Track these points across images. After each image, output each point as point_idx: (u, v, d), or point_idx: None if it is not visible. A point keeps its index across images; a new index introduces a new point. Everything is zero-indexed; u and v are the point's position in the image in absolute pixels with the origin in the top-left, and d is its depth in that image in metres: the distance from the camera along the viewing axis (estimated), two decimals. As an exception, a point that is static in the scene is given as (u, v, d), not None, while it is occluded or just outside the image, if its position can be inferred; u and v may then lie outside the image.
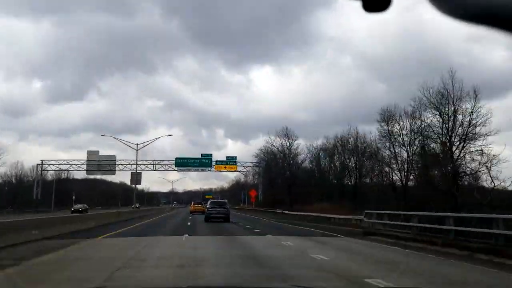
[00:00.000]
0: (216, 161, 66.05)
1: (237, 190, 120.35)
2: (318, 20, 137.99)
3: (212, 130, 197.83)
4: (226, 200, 40.45)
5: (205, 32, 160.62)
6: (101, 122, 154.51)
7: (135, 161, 47.24)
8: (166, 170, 66.40)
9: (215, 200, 39.34)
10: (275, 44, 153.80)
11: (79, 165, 65.16)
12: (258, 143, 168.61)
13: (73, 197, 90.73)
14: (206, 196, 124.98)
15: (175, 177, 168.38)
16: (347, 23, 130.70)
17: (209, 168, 65.92)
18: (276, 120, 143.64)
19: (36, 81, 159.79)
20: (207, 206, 33.40)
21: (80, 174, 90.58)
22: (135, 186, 48.45)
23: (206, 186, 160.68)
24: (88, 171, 65.50)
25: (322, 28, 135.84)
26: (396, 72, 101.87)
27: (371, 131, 47.69)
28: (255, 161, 68.46)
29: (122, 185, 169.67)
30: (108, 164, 64.35)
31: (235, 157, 66.88)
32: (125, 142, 45.85)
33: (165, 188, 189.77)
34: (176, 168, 65.38)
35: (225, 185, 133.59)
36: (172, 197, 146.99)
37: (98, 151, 65.44)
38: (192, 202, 57.71)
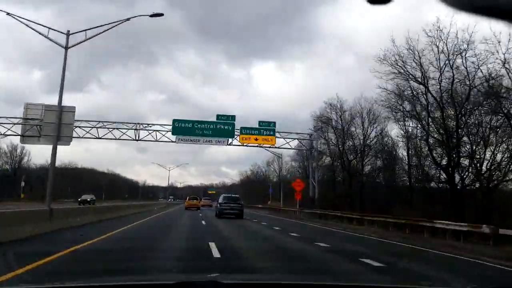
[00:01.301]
0: (242, 129, 39.10)
1: (255, 184, 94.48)
2: (322, 17, 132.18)
3: None
4: (239, 196, 35.26)
5: (207, 26, 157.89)
6: (102, 114, 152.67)
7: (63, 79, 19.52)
8: (157, 141, 39.51)
9: (228, 195, 34.18)
10: (278, 40, 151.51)
11: (8, 128, 38.15)
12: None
13: (22, 184, 64.56)
14: (209, 192, 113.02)
15: (174, 171, 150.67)
16: (351, 21, 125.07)
17: (230, 140, 39.02)
18: (278, 117, 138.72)
19: (36, 71, 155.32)
20: (219, 201, 31.42)
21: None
22: (55, 145, 21.36)
23: (207, 182, 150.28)
24: (24, 137, 38.38)
25: (326, 25, 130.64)
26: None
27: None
28: (308, 131, 41.62)
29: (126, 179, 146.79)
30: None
31: (274, 123, 39.81)
32: (36, 29, 18.64)
33: (164, 183, 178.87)
34: (174, 139, 38.57)
35: (227, 181, 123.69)
36: (170, 191, 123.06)
37: (42, 105, 38.45)
38: (187, 198, 53.48)
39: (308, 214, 37.43)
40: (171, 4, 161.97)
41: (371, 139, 33.62)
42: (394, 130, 28.94)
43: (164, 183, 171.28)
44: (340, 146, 37.04)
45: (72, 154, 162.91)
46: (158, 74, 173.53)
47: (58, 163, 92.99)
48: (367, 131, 34.24)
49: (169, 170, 77.82)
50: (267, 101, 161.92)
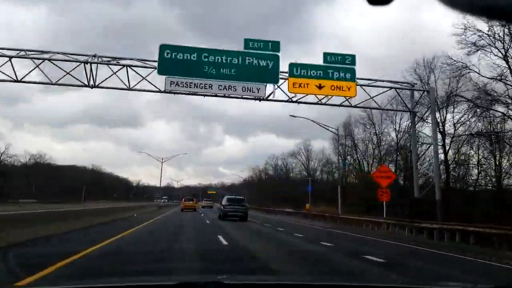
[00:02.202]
0: (292, 68, 20.43)
1: (269, 182, 76.01)
2: (321, 17, 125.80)
3: (210, 125, 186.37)
4: (244, 197, 32.51)
5: (207, 25, 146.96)
6: (98, 113, 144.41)
7: None
8: (130, 90, 20.75)
9: (232, 196, 31.58)
10: (278, 40, 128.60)
11: None
12: (257, 140, 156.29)
13: None
14: (209, 192, 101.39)
15: (171, 171, 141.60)
16: (350, 21, 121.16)
17: (271, 87, 20.41)
18: (275, 117, 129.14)
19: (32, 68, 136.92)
20: (223, 203, 28.97)
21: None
22: None
23: (205, 183, 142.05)
24: None
25: (326, 25, 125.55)
26: (397, 72, 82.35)
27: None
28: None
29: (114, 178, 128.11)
30: None
31: (352, 58, 21.10)
32: None
33: (160, 182, 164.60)
34: (163, 88, 20.02)
35: (226, 181, 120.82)
36: (164, 191, 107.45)
37: None
38: (183, 199, 52.06)
39: (411, 231, 19.02)
40: (170, 4, 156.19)
41: None
42: None
43: (159, 183, 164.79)
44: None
45: (68, 153, 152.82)
46: (154, 73, 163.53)
47: (21, 152, 75.83)
48: None
49: (162, 162, 59.09)
50: (265, 101, 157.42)
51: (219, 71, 19.61)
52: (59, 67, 19.73)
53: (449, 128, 27.35)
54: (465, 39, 23.05)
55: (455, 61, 24.13)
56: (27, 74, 19.57)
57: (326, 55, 20.69)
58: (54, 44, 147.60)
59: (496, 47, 22.32)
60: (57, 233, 13.00)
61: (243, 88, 19.91)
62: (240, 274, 6.65)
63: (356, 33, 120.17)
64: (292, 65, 20.38)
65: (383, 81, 21.99)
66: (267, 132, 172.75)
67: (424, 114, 23.76)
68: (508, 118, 22.82)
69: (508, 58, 21.33)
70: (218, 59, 19.70)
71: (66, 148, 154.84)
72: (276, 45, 20.35)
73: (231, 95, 20.36)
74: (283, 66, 20.40)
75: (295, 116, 28.77)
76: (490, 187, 25.24)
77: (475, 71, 23.72)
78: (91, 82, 19.97)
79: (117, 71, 19.88)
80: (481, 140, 24.76)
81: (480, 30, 22.75)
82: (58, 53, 20.06)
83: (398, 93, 22.23)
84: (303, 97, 20.99)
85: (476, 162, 26.27)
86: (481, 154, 25.81)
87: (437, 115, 26.18)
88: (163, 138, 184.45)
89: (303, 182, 53.60)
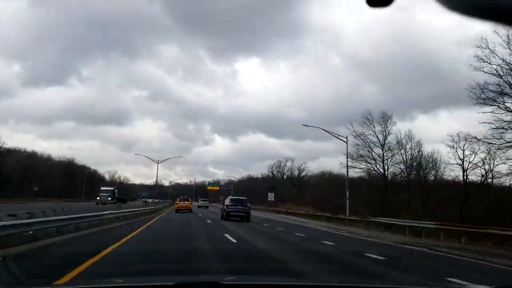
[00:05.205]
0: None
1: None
2: (311, 14, 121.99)
3: (199, 124, 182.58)
4: (246, 198, 34.60)
5: (193, 19, 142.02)
6: (83, 110, 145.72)
7: None
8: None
9: (235, 197, 34.33)
10: (263, 36, 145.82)
11: None
12: (248, 139, 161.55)
13: None
14: (209, 187, 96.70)
15: (160, 169, 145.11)
16: (341, 18, 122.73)
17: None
18: (265, 117, 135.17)
19: (14, 63, 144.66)
20: (226, 203, 30.82)
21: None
22: None
23: (195, 182, 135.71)
24: None
25: (314, 21, 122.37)
26: (387, 73, 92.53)
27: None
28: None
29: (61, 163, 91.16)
30: None
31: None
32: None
33: (149, 181, 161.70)
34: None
35: (220, 178, 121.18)
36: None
37: None
38: (178, 199, 51.32)
39: None
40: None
41: None
42: None
43: (149, 181, 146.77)
44: None
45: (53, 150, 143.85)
46: (140, 69, 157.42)
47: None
48: None
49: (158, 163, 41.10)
50: (254, 98, 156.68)
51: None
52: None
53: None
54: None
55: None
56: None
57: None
58: (36, 38, 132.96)
59: None
60: None
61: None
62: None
63: (347, 31, 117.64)
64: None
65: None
66: (258, 131, 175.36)
67: None
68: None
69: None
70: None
71: (52, 145, 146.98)
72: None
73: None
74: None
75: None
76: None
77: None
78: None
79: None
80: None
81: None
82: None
83: None
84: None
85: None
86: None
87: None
88: (150, 136, 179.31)
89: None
